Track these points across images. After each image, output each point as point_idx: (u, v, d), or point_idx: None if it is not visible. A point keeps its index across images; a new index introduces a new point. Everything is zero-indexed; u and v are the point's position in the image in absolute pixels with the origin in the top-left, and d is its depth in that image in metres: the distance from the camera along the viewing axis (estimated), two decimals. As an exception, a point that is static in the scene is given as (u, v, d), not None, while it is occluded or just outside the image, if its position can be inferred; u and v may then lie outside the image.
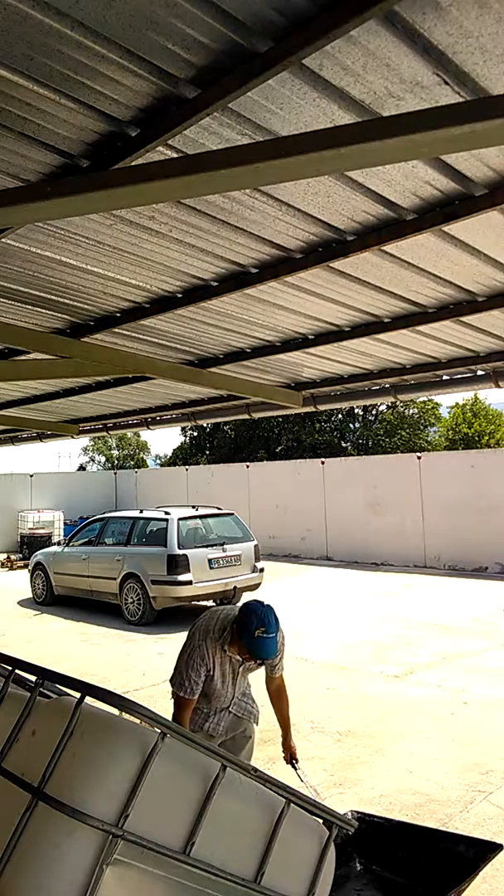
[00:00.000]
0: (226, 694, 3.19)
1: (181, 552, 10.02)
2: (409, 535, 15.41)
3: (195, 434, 33.65)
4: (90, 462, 44.06)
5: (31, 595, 12.54)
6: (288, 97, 1.84)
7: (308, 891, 1.83)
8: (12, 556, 18.13)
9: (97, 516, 12.34)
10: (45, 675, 1.69)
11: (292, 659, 7.96)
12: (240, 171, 1.62)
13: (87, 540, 11.73)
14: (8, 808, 1.49)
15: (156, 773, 1.50)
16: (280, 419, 28.21)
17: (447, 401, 37.35)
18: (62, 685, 1.68)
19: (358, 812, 3.00)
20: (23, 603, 12.44)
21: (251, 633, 2.91)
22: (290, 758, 3.47)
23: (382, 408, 30.28)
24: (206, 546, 10.49)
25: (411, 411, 30.38)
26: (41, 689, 1.72)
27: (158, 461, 43.00)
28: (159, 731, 1.53)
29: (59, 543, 13.29)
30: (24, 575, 13.99)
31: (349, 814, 2.97)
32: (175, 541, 10.13)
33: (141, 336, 4.22)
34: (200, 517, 11.11)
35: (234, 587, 10.41)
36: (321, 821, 1.94)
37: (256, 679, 3.40)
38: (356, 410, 30.51)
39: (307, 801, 1.86)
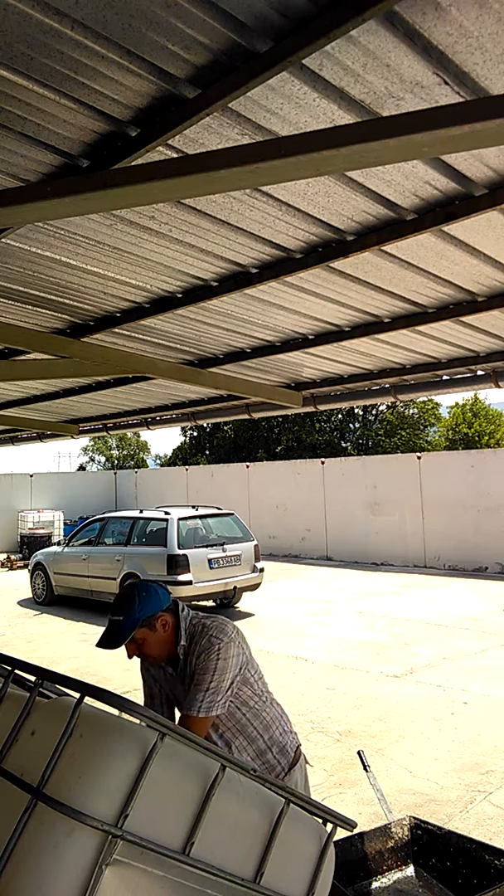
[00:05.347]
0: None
1: (181, 552, 10.02)
2: (409, 535, 15.42)
3: (195, 434, 33.67)
4: (90, 462, 44.11)
5: (31, 595, 12.55)
6: (288, 97, 1.84)
7: (308, 891, 1.83)
8: (12, 556, 18.15)
9: (97, 516, 12.35)
10: (45, 675, 1.68)
11: (292, 659, 7.96)
12: (240, 171, 1.61)
13: (87, 540, 11.74)
14: (7, 809, 1.49)
15: (155, 774, 1.50)
16: (280, 419, 28.24)
17: (447, 401, 37.45)
18: (62, 685, 1.68)
19: (416, 818, 2.99)
20: (23, 603, 12.44)
21: None
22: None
23: (382, 408, 30.31)
24: (206, 546, 10.50)
25: (411, 411, 30.41)
26: (41, 689, 1.71)
27: (158, 461, 43.04)
28: (159, 731, 1.53)
29: (59, 543, 13.30)
30: (24, 575, 14.00)
31: (407, 819, 2.95)
32: (175, 541, 10.13)
33: (141, 336, 4.22)
34: (200, 517, 11.11)
35: (234, 587, 10.41)
36: (321, 820, 1.94)
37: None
38: (356, 410, 30.53)
39: (307, 801, 1.86)
